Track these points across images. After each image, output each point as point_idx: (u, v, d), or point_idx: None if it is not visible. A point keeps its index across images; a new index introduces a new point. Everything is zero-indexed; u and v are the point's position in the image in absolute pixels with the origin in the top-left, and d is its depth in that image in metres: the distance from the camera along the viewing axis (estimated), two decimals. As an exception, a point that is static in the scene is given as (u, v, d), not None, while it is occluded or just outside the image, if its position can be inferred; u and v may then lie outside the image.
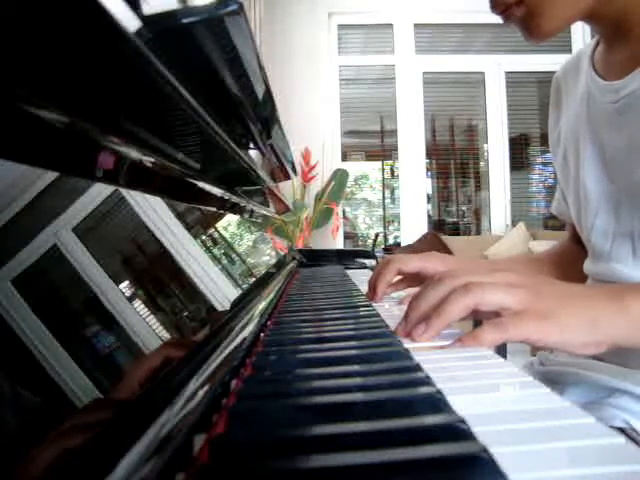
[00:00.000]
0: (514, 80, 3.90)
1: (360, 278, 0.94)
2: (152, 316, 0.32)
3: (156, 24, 0.26)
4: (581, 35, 3.73)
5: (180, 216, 0.45)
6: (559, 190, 0.79)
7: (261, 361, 0.36)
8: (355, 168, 4.30)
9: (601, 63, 0.64)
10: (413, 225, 3.80)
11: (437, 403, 0.26)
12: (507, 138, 3.88)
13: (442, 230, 4.10)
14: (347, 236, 4.10)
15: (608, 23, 0.59)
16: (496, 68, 3.87)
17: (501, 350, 2.15)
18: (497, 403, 0.28)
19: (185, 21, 0.31)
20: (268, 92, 0.56)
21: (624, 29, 0.58)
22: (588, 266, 0.68)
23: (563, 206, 0.77)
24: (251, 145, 0.67)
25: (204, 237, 0.54)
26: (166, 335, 0.33)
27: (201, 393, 0.26)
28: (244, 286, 0.61)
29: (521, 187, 4.04)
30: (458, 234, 4.19)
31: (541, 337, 0.39)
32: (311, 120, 3.59)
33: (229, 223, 0.70)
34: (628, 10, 0.56)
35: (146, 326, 0.31)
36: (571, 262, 0.75)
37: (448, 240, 3.47)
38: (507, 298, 0.40)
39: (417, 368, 0.32)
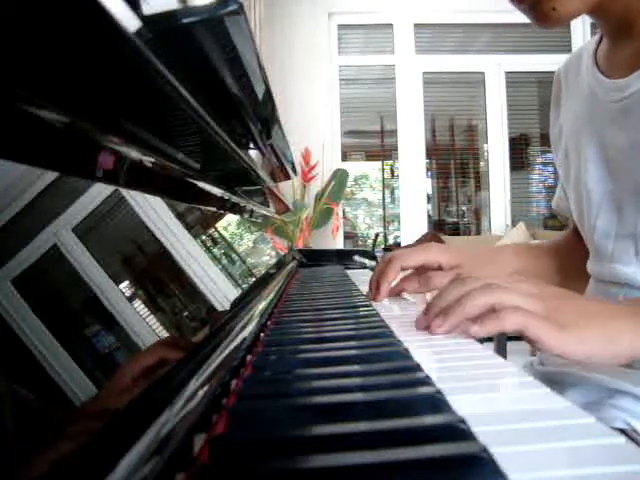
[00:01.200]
0: (514, 80, 3.90)
1: (360, 278, 0.94)
2: (152, 316, 0.32)
3: (156, 24, 0.26)
4: (581, 35, 3.73)
5: (180, 216, 0.45)
6: (560, 186, 0.79)
7: (261, 361, 0.36)
8: (355, 168, 4.30)
9: (604, 60, 0.63)
10: (413, 225, 3.80)
11: (437, 403, 0.26)
12: (507, 138, 3.88)
13: (442, 230, 4.10)
14: (347, 236, 4.10)
15: (614, 18, 0.58)
16: (496, 68, 3.87)
17: (501, 350, 2.14)
18: (497, 403, 0.28)
19: (185, 21, 0.31)
20: (268, 92, 0.56)
21: (629, 25, 0.57)
22: (591, 266, 0.68)
23: (564, 202, 0.77)
24: (251, 145, 0.67)
25: (204, 237, 0.54)
26: (166, 335, 0.33)
27: (201, 393, 0.26)
28: (244, 286, 0.61)
29: (521, 187, 4.04)
30: (458, 234, 4.19)
31: (557, 344, 0.40)
32: (311, 120, 3.59)
33: (229, 223, 0.70)
34: (634, 6, 0.56)
35: (146, 326, 0.31)
36: (570, 255, 0.76)
37: (448, 240, 3.48)
38: (526, 305, 0.41)
39: (417, 368, 0.32)
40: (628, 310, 0.45)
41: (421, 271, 0.63)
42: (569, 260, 0.76)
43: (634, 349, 0.43)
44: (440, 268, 0.64)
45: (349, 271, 1.10)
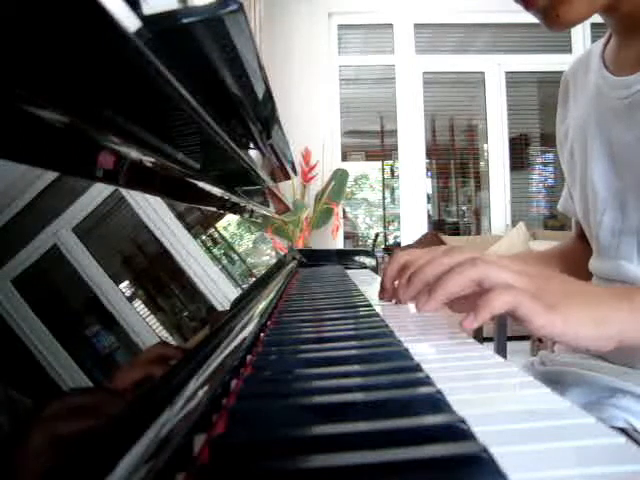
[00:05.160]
0: (514, 80, 3.90)
1: (360, 278, 0.94)
2: (152, 316, 0.32)
3: (156, 24, 0.25)
4: (581, 35, 3.73)
5: (180, 216, 0.45)
6: (566, 187, 0.79)
7: (261, 361, 0.36)
8: (355, 168, 4.30)
9: (612, 59, 0.64)
10: (413, 225, 3.80)
11: (437, 403, 0.26)
12: (507, 138, 3.88)
13: (442, 230, 4.10)
14: (347, 236, 4.10)
15: (623, 16, 0.59)
16: (496, 68, 3.87)
17: (501, 350, 2.15)
18: (497, 403, 0.28)
19: (185, 21, 0.31)
20: (268, 92, 0.56)
21: (637, 23, 0.58)
22: (594, 263, 0.68)
23: (570, 203, 0.77)
24: (251, 145, 0.67)
25: (204, 237, 0.54)
26: (166, 335, 0.33)
27: (201, 393, 0.26)
28: (244, 286, 0.61)
29: (521, 187, 4.04)
30: (458, 234, 4.19)
31: (545, 324, 0.38)
32: (311, 120, 3.59)
33: (229, 223, 0.70)
34: None
35: (146, 326, 0.31)
36: (577, 260, 0.75)
37: (448, 240, 3.47)
38: (514, 281, 0.40)
39: (417, 368, 0.32)
40: (615, 293, 0.44)
41: None
42: (576, 264, 0.76)
43: (622, 331, 0.42)
44: None
45: (349, 271, 1.10)
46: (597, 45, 0.68)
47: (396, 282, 0.62)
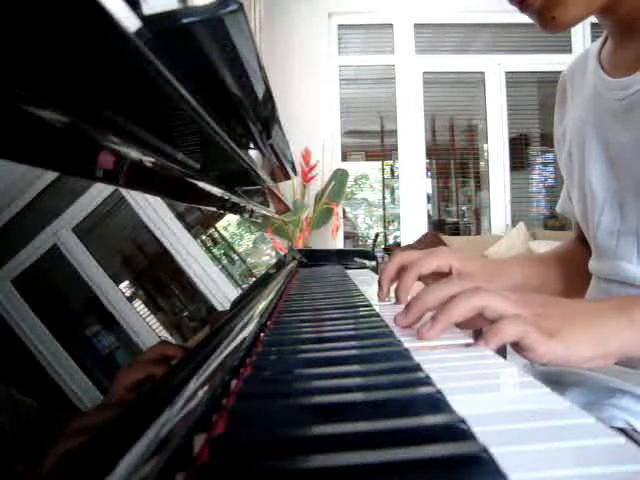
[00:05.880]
0: (514, 80, 3.90)
1: (360, 278, 0.94)
2: (152, 316, 0.32)
3: (156, 24, 0.26)
4: (581, 35, 3.73)
5: (180, 216, 0.45)
6: (565, 188, 0.79)
7: (261, 361, 0.36)
8: (355, 168, 4.30)
9: (608, 60, 0.64)
10: (413, 225, 3.80)
11: (437, 403, 0.26)
12: (507, 138, 3.88)
13: (442, 230, 4.10)
14: (347, 236, 4.10)
15: (620, 18, 0.59)
16: (496, 68, 3.87)
17: (501, 350, 2.15)
18: (497, 403, 0.28)
19: (185, 21, 0.31)
20: (268, 92, 0.56)
21: (634, 25, 0.58)
22: (593, 264, 0.68)
23: (568, 204, 0.77)
24: (251, 145, 0.67)
25: (204, 237, 0.54)
26: (166, 335, 0.33)
27: (201, 393, 0.26)
28: (244, 286, 0.61)
29: (521, 187, 4.04)
30: (458, 234, 4.19)
31: (548, 352, 0.39)
32: (311, 120, 3.59)
33: (229, 223, 0.70)
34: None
35: (146, 326, 0.31)
36: (576, 262, 0.75)
37: (448, 240, 3.47)
38: (512, 310, 0.41)
39: (417, 368, 0.32)
40: (613, 307, 0.45)
41: (434, 277, 0.63)
42: (574, 267, 0.76)
43: (622, 346, 0.42)
44: (451, 272, 0.63)
45: (349, 271, 1.10)
46: (594, 46, 0.68)
47: (394, 285, 0.62)
